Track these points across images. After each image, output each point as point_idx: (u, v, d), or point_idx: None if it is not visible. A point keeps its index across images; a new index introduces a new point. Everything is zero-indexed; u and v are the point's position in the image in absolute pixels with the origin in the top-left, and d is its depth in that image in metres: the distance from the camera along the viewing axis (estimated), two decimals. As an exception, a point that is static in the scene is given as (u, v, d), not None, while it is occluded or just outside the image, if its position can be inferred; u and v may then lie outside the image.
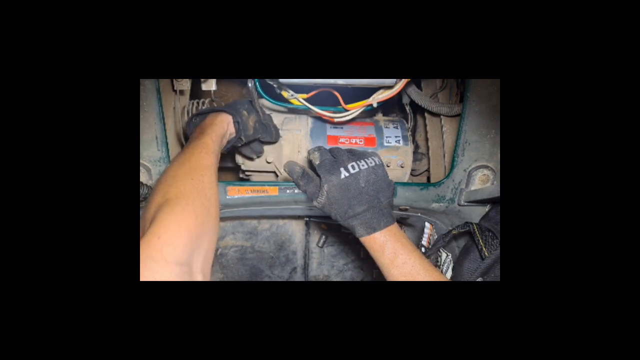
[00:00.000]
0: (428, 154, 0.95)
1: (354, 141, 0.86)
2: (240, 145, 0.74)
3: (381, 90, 0.73)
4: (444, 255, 0.83)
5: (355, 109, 0.74)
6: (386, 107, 1.09)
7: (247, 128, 0.72)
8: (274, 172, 0.91)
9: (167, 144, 0.72)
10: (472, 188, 0.77)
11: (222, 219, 1.30)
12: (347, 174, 0.53)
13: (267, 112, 0.84)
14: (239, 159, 0.87)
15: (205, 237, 0.43)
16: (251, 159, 0.86)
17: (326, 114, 0.74)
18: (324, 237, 1.37)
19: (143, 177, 0.74)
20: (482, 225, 0.71)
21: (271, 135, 0.79)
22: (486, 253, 0.67)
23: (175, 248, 0.38)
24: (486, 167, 0.76)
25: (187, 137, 0.67)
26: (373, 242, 0.54)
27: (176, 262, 0.39)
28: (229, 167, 1.14)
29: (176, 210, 0.41)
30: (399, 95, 0.76)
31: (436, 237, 0.87)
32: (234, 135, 0.71)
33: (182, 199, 0.43)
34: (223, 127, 0.66)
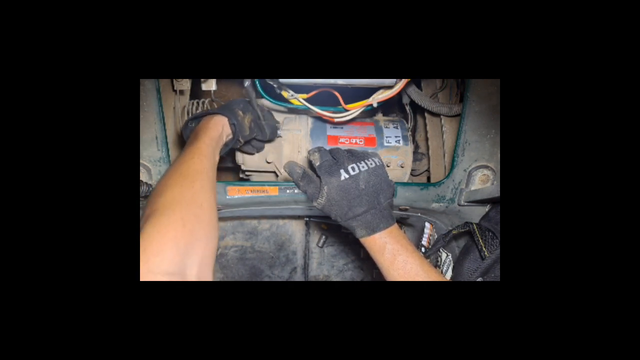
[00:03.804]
0: (428, 154, 0.95)
1: (354, 141, 0.86)
2: (238, 146, 0.74)
3: (381, 90, 0.73)
4: (444, 255, 0.83)
5: (355, 109, 0.74)
6: (386, 107, 1.09)
7: (243, 129, 0.71)
8: (274, 172, 0.91)
9: (167, 144, 0.72)
10: (472, 188, 0.77)
11: (222, 219, 1.30)
12: (347, 176, 0.53)
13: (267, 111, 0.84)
14: (239, 158, 0.87)
15: (197, 244, 0.43)
16: (251, 154, 0.85)
17: (326, 114, 0.74)
18: (324, 237, 1.37)
19: (143, 177, 0.74)
20: (482, 225, 0.71)
21: (265, 135, 0.78)
22: (486, 253, 0.67)
23: (162, 259, 0.38)
24: (486, 167, 0.76)
25: (184, 142, 0.67)
26: (373, 243, 0.54)
27: (164, 273, 0.39)
28: (229, 167, 1.14)
29: (162, 221, 0.41)
30: (399, 95, 0.76)
31: (436, 237, 0.87)
32: (231, 136, 0.70)
33: (169, 209, 0.42)
34: (218, 129, 0.66)
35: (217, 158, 0.63)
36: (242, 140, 0.72)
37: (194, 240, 0.42)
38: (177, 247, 0.40)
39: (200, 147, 0.58)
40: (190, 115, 0.82)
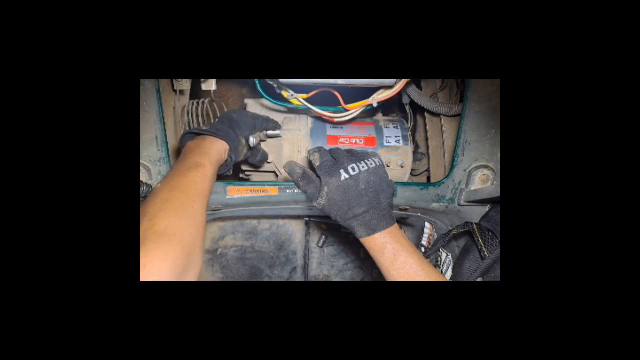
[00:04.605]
0: (428, 154, 0.95)
1: (354, 141, 0.86)
2: (229, 174, 0.74)
3: (381, 90, 0.73)
4: (444, 255, 0.83)
5: (355, 109, 0.74)
6: (386, 107, 1.09)
7: (238, 157, 0.71)
8: (274, 172, 0.91)
9: (167, 144, 0.72)
10: (472, 188, 0.77)
11: (222, 219, 1.30)
12: (347, 176, 0.53)
13: (266, 112, 0.84)
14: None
15: (191, 266, 0.44)
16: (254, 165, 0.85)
17: (326, 114, 0.74)
18: (324, 237, 1.37)
19: (143, 177, 0.74)
20: (482, 225, 0.71)
21: (254, 159, 0.79)
22: (486, 253, 0.67)
23: (160, 279, 0.38)
24: (486, 167, 0.76)
25: (179, 150, 0.66)
26: (373, 243, 0.54)
27: None
28: (229, 167, 1.14)
29: (164, 240, 0.42)
30: (399, 95, 0.76)
31: (436, 237, 0.87)
32: (224, 162, 0.69)
33: (170, 229, 0.43)
34: (221, 154, 0.65)
35: (214, 181, 0.63)
36: (231, 171, 0.72)
37: (189, 263, 0.43)
38: (174, 268, 0.40)
39: (204, 167, 0.58)
40: (190, 115, 0.82)
